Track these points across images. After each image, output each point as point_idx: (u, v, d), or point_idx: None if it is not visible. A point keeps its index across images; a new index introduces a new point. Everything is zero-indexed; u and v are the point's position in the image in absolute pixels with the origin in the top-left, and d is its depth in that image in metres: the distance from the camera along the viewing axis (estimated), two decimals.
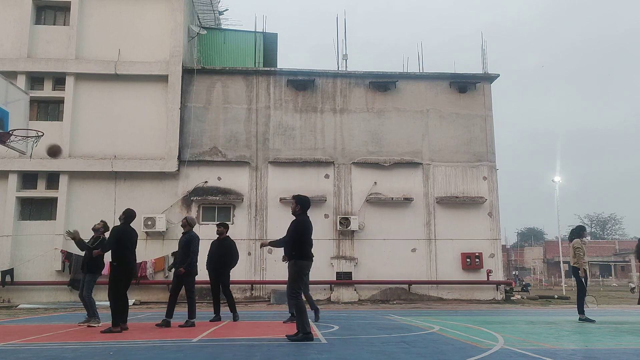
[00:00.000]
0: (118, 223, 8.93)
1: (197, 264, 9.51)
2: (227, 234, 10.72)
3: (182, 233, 9.61)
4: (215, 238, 10.68)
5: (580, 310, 10.61)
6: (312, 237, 7.51)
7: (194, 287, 9.56)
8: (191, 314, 9.33)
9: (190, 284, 9.42)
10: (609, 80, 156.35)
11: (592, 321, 10.19)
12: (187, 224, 9.57)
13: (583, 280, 10.76)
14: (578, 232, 11.25)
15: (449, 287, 18.87)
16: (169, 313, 9.25)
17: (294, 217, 7.50)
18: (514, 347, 6.55)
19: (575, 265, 10.88)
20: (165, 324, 9.08)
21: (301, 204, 7.52)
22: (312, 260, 7.50)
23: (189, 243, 9.32)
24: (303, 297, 7.83)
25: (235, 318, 10.35)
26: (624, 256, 62.40)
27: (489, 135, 19.96)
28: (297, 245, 7.30)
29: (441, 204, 19.27)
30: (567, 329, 9.16)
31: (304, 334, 7.04)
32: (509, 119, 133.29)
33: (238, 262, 10.91)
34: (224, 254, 10.43)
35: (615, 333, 8.45)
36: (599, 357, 5.89)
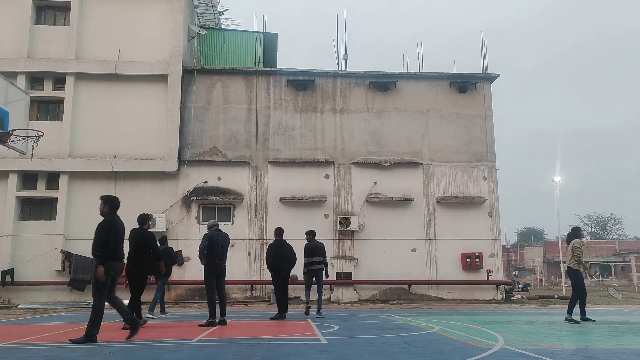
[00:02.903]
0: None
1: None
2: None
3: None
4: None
5: (570, 311, 10.47)
6: (123, 238, 7.38)
7: (214, 286, 9.63)
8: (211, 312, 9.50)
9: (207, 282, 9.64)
10: (608, 80, 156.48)
11: (578, 322, 10.09)
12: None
13: (585, 277, 10.68)
14: (575, 233, 11.20)
15: (449, 287, 18.86)
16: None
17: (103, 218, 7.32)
18: (514, 347, 6.55)
19: (570, 265, 10.79)
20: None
21: (110, 204, 7.40)
22: (122, 262, 7.33)
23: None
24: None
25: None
26: (624, 256, 62.38)
27: (489, 135, 19.96)
28: (103, 246, 7.08)
29: (441, 204, 19.27)
30: (567, 329, 9.16)
31: (86, 336, 6.88)
32: (509, 119, 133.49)
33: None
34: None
35: (615, 333, 8.45)
36: (599, 357, 5.88)
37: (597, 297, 25.44)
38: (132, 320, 7.44)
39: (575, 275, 10.72)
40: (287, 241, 11.38)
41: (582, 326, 9.62)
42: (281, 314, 11.06)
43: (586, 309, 10.79)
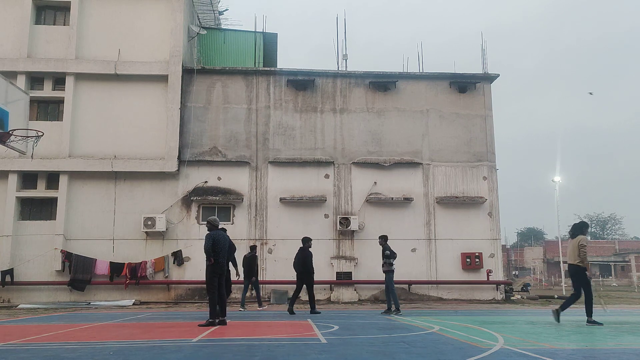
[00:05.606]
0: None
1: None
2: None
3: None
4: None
5: (589, 312, 9.77)
6: None
7: (216, 286, 9.62)
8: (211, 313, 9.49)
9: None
10: (609, 80, 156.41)
11: (601, 324, 9.54)
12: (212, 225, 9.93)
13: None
14: (582, 228, 10.15)
15: (449, 287, 18.86)
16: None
17: None
18: (514, 347, 6.54)
19: (579, 263, 9.80)
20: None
21: None
22: None
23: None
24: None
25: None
26: (624, 256, 62.42)
27: (489, 135, 19.95)
28: None
29: (441, 204, 19.27)
30: (567, 329, 9.15)
31: None
32: (509, 119, 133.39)
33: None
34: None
35: (615, 333, 8.44)
36: (599, 357, 5.88)
37: (598, 297, 25.42)
38: None
39: (583, 274, 9.81)
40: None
41: (581, 326, 9.61)
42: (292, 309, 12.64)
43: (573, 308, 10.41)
